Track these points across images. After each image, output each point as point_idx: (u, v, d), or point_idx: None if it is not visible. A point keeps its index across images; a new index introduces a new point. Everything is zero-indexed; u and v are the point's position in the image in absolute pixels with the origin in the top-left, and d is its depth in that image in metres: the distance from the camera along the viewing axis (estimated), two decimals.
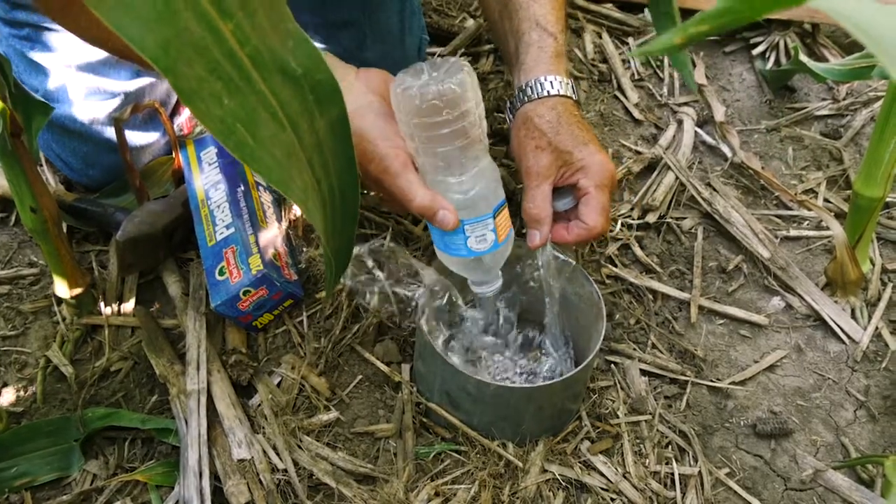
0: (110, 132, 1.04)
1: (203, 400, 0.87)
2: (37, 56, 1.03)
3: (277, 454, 0.85)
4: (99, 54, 1.03)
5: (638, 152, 1.25)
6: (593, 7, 1.49)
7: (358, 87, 0.79)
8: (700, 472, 0.89)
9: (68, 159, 1.07)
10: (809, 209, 1.17)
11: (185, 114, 1.18)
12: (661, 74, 1.41)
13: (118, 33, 0.34)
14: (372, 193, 0.94)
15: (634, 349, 1.00)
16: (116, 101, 1.05)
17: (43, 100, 0.85)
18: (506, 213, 0.79)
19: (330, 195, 0.61)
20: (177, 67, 0.37)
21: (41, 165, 1.13)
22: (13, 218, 1.10)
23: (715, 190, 1.20)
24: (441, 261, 0.83)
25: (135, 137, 1.07)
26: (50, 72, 1.03)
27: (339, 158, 0.60)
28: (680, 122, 1.31)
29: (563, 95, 0.87)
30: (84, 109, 1.03)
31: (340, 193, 0.63)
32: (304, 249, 1.03)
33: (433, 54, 1.36)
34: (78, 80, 1.03)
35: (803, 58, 1.28)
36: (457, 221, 0.75)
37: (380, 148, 0.75)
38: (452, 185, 0.76)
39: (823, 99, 1.39)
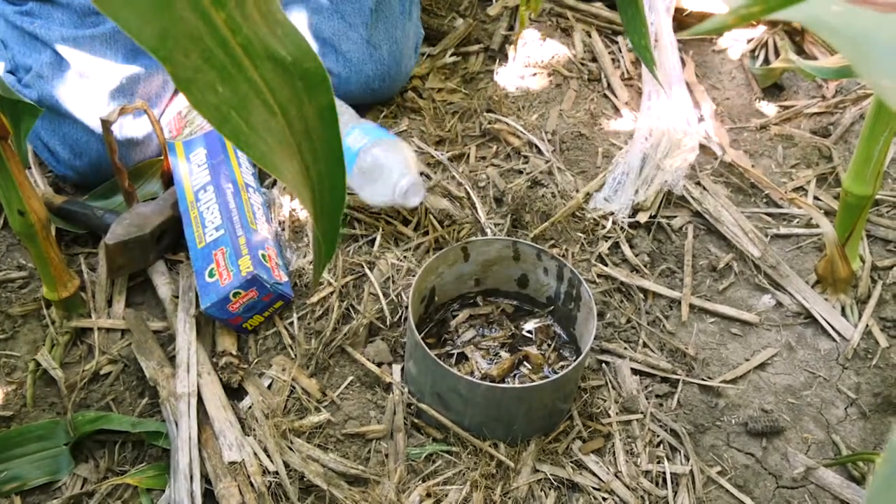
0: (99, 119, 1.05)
1: (193, 402, 0.87)
2: (35, 29, 1.04)
3: (268, 456, 0.85)
4: (96, 29, 1.05)
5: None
6: (583, 6, 1.49)
7: None
8: (692, 471, 0.89)
9: (55, 148, 1.07)
10: (799, 207, 1.18)
11: (170, 112, 1.17)
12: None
13: (119, 25, 0.37)
14: None
15: (625, 348, 1.00)
16: (110, 84, 1.05)
17: (33, 101, 0.84)
18: None
19: (318, 181, 0.63)
20: (174, 57, 0.39)
21: (29, 168, 1.12)
22: (1, 221, 1.09)
23: (705, 188, 1.20)
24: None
25: (128, 129, 1.07)
26: (45, 48, 1.04)
27: (327, 145, 0.61)
28: None
29: None
30: (75, 90, 1.04)
31: (328, 179, 0.65)
32: (295, 250, 1.03)
33: (423, 54, 1.36)
34: (73, 56, 1.04)
35: (792, 56, 1.28)
36: None
37: None
38: None
39: (813, 97, 1.40)
